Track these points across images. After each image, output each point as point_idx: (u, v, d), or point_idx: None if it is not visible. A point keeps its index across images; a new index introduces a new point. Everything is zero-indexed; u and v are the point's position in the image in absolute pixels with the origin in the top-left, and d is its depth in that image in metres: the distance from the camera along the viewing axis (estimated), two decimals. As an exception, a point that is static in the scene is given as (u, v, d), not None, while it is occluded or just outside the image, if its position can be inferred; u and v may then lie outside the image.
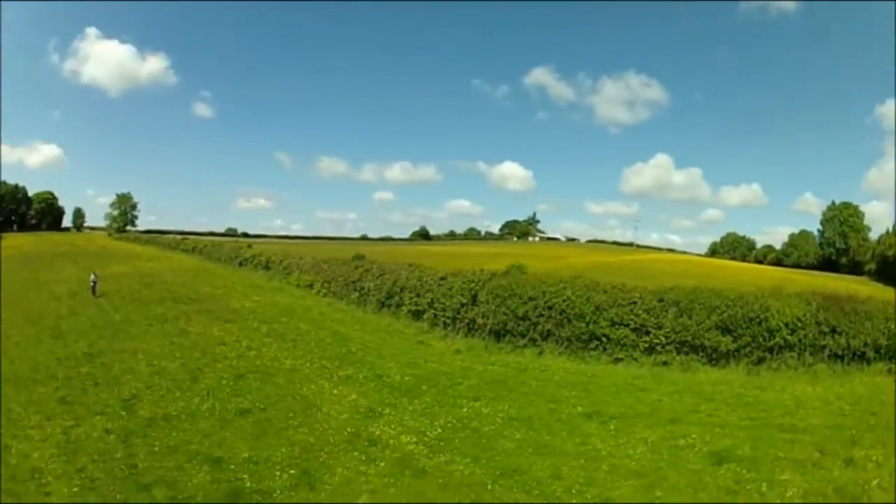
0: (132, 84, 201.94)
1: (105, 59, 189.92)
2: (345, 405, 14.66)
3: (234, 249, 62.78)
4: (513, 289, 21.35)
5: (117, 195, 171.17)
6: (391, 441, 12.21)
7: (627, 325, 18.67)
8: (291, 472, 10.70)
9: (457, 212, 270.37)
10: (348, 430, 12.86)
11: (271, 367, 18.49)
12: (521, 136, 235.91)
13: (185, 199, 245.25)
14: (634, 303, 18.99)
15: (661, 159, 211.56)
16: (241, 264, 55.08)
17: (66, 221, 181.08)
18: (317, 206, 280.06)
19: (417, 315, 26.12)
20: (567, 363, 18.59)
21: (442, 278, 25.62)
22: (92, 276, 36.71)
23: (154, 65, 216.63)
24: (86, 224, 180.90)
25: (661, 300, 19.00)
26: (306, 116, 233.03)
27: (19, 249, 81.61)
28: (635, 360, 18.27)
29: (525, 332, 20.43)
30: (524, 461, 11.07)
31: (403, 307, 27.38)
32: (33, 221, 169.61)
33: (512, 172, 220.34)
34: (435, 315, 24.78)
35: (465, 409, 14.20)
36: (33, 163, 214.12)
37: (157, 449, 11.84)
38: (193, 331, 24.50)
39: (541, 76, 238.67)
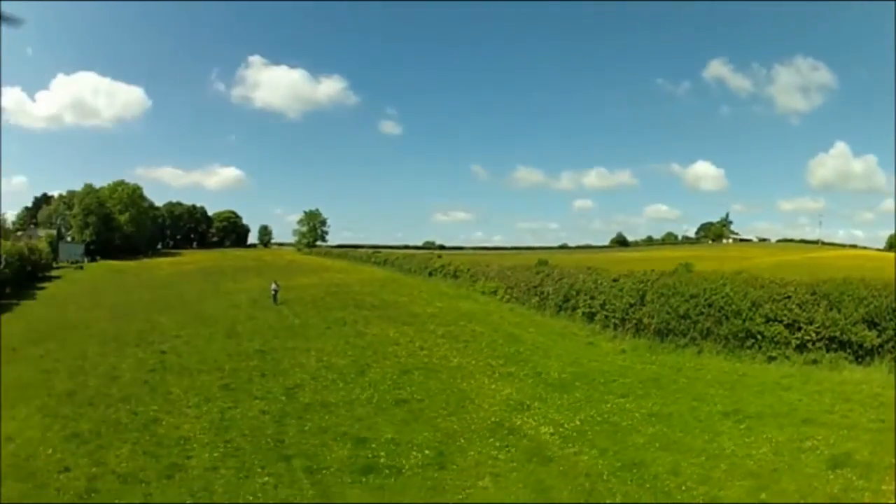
0: (310, 106, 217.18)
1: (276, 84, 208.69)
2: (497, 399, 17.03)
3: (425, 260, 66.98)
4: (676, 287, 22.55)
5: (305, 212, 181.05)
6: (530, 431, 14.23)
7: (781, 321, 19.29)
8: (427, 452, 12.85)
9: (655, 216, 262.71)
10: (493, 419, 15.14)
11: (438, 365, 21.53)
12: (709, 133, 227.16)
13: (381, 215, 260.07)
14: (788, 297, 19.57)
15: (840, 147, 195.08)
16: (430, 274, 58.62)
17: (252, 239, 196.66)
18: (516, 216, 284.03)
19: (591, 317, 27.91)
20: (723, 362, 19.51)
21: (614, 280, 27.26)
22: (273, 285, 41.72)
23: (330, 87, 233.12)
24: (273, 241, 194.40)
25: (813, 293, 19.41)
26: (498, 127, 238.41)
27: (199, 264, 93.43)
28: (787, 358, 18.81)
29: (686, 331, 21.70)
30: (649, 456, 12.26)
31: (579, 310, 29.23)
32: (214, 239, 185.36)
33: (704, 172, 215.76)
34: (606, 317, 26.48)
35: (609, 405, 15.89)
36: (213, 185, 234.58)
37: (307, 429, 14.48)
38: (370, 332, 28.13)
39: (718, 69, 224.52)
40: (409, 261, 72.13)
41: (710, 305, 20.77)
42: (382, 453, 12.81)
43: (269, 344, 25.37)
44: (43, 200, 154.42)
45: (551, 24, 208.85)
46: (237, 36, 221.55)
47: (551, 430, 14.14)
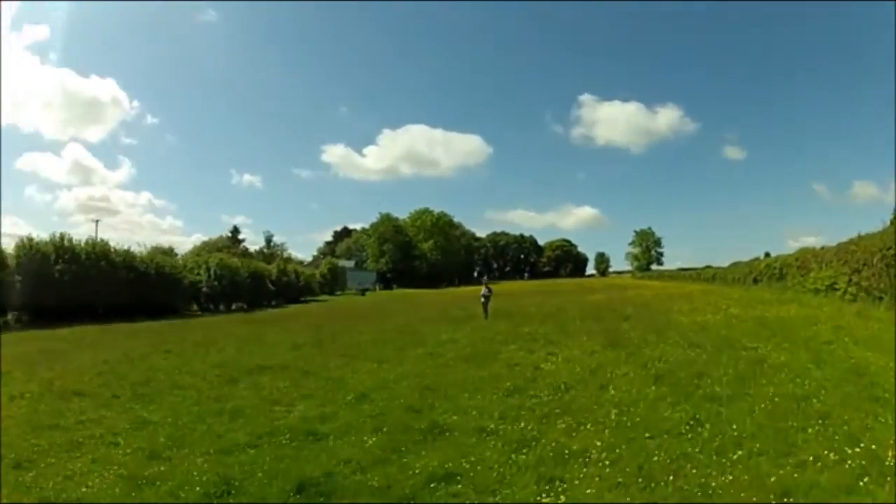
0: (652, 138, 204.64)
1: (613, 120, 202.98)
2: None
3: (750, 266, 55.97)
4: None
5: (636, 231, 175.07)
6: None
7: None
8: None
9: None
10: None
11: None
12: None
13: (739, 243, 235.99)
14: None
15: None
16: (755, 281, 48.35)
17: (591, 269, 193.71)
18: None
19: None
20: None
21: None
22: (483, 290, 32.69)
23: (667, 116, 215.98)
24: (611, 269, 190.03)
25: None
26: (833, 139, 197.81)
27: (499, 290, 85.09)
28: None
29: None
30: None
31: None
32: (546, 269, 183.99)
33: None
34: None
35: None
36: (569, 224, 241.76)
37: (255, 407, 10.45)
38: (527, 360, 14.91)
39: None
40: (733, 270, 61.85)
41: None
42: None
43: (356, 352, 17.98)
44: (344, 234, 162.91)
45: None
46: (562, 77, 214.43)
47: None
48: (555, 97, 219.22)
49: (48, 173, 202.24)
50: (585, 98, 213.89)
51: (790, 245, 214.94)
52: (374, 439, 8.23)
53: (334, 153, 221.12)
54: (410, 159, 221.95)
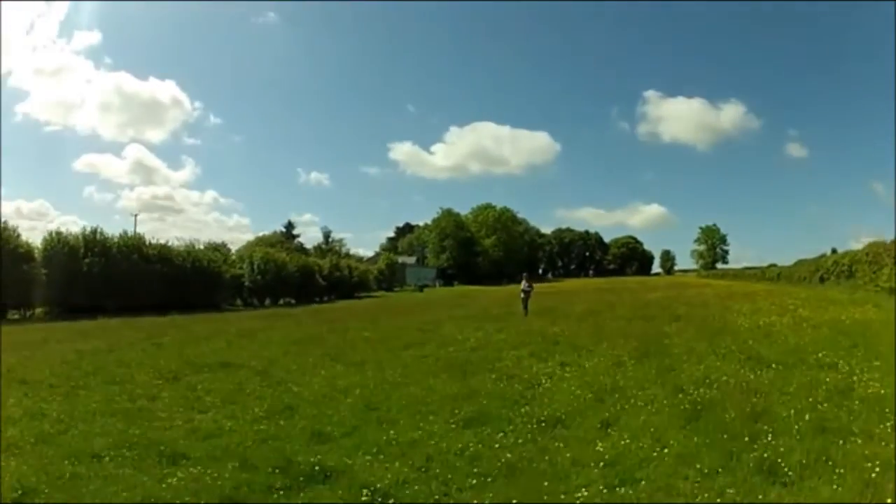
0: (717, 136, 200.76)
1: (678, 116, 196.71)
2: None
3: (816, 263, 54.07)
4: None
5: (701, 228, 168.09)
6: None
7: None
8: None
9: None
10: None
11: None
12: None
13: (797, 243, 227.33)
14: None
15: None
16: (822, 280, 47.13)
17: (657, 267, 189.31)
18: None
19: None
20: None
21: None
22: (524, 285, 31.37)
23: (732, 113, 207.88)
24: (677, 267, 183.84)
25: None
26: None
27: (557, 287, 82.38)
28: None
29: None
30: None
31: None
32: (611, 267, 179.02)
33: None
34: None
35: None
36: (637, 223, 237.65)
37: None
38: (539, 366, 12.91)
39: None
40: (798, 269, 59.33)
41: None
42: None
43: (341, 352, 15.96)
44: (406, 229, 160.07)
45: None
46: (627, 73, 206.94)
47: None
48: (620, 93, 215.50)
49: (109, 174, 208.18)
50: (650, 94, 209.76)
51: (853, 246, 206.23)
52: (226, 477, 6.06)
53: (402, 151, 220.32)
54: (479, 157, 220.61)
